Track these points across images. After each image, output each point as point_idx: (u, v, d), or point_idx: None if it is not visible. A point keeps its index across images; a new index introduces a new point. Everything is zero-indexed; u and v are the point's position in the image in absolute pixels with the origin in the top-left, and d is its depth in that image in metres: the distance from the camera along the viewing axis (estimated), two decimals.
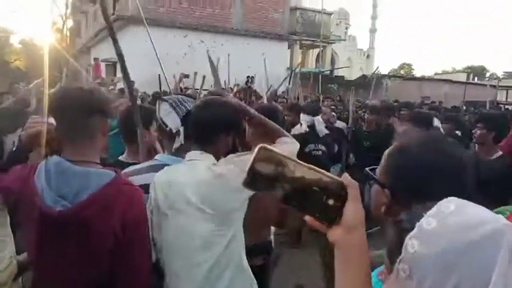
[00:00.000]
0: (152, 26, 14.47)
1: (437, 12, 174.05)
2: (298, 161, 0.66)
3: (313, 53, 24.34)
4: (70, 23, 32.34)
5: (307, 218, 0.68)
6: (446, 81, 21.11)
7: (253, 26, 16.48)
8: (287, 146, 1.65)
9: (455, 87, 18.94)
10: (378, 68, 17.16)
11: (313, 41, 19.97)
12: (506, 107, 14.73)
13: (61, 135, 1.32)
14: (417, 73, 54.78)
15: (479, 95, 15.12)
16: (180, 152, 1.65)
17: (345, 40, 34.27)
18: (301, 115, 4.24)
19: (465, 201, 0.61)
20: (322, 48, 14.47)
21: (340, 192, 0.66)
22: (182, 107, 1.65)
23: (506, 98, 20.26)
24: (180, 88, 7.39)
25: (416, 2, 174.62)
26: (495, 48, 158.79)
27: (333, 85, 17.11)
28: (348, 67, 27.14)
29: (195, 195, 1.46)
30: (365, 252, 0.67)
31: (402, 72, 52.45)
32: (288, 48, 19.14)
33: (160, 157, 1.73)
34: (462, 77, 27.37)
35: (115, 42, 1.83)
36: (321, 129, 4.20)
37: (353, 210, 0.66)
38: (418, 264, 0.57)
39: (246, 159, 1.25)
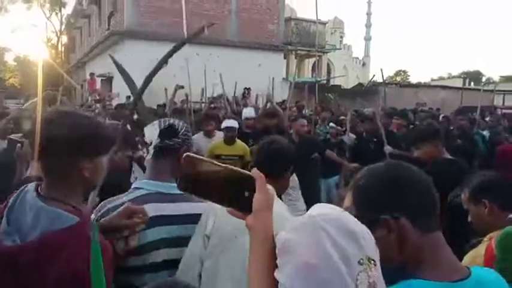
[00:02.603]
0: (148, 40, 14.52)
1: (432, 19, 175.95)
2: (216, 162, 0.79)
3: (309, 63, 24.41)
4: (65, 39, 32.46)
5: (228, 209, 0.79)
6: (442, 87, 21.15)
7: (248, 38, 16.49)
8: None
9: (452, 93, 18.98)
10: (374, 75, 17.19)
11: (308, 50, 20.02)
12: (504, 111, 14.73)
13: (42, 165, 1.21)
14: (413, 79, 55.08)
15: (476, 100, 15.12)
16: (155, 172, 1.58)
17: (340, 49, 34.43)
18: None
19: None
20: (317, 58, 14.45)
21: (251, 184, 0.77)
22: (167, 121, 1.60)
23: (503, 103, 20.30)
24: (174, 102, 7.30)
25: (411, 9, 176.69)
26: (490, 52, 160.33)
27: (329, 94, 17.10)
28: (344, 75, 27.19)
29: None
30: (267, 232, 0.77)
31: (398, 79, 52.69)
32: (284, 58, 19.17)
33: (145, 185, 1.58)
34: (458, 83, 27.43)
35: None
36: None
37: (258, 198, 0.77)
38: None
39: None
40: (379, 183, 0.93)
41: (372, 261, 0.68)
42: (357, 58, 45.33)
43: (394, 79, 49.66)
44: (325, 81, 20.40)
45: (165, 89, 7.92)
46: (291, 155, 1.81)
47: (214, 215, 1.48)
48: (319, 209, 0.75)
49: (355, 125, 6.43)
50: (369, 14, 48.09)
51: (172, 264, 1.50)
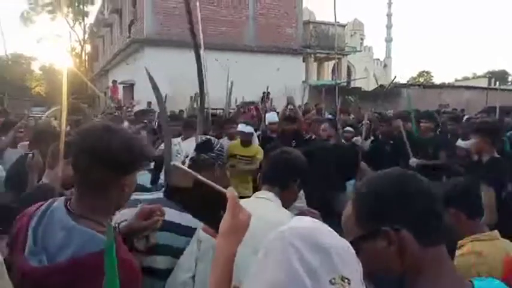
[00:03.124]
0: (167, 47, 14.73)
1: (455, 17, 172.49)
2: (200, 176, 0.78)
3: (329, 66, 24.24)
4: (88, 48, 33.27)
5: (203, 225, 0.79)
6: (467, 87, 20.61)
7: (266, 42, 16.51)
8: None
9: (476, 93, 18.48)
10: (395, 77, 16.95)
11: (327, 53, 19.88)
12: None
13: (74, 181, 1.19)
14: (437, 80, 53.85)
15: (502, 100, 14.67)
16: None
17: (360, 51, 34.08)
18: None
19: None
20: (337, 61, 14.33)
21: (225, 204, 0.77)
22: (204, 138, 1.71)
23: None
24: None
25: (432, 8, 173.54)
26: None
27: (350, 97, 16.92)
28: (365, 78, 26.87)
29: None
30: (227, 257, 0.77)
31: (421, 80, 51.64)
32: (303, 61, 19.09)
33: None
34: (483, 83, 26.70)
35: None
36: None
37: (225, 220, 0.76)
38: None
39: None
40: (381, 193, 0.89)
41: (346, 280, 0.66)
42: (378, 60, 44.81)
43: (417, 80, 48.77)
44: (345, 84, 20.19)
45: (191, 97, 7.99)
46: (299, 168, 1.75)
47: None
48: (295, 222, 0.74)
49: (376, 128, 6.28)
50: (389, 15, 47.53)
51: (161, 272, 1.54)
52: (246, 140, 4.94)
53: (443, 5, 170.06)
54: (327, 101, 12.78)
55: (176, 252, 1.54)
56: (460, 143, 4.95)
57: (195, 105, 7.66)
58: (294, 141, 5.21)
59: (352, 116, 10.23)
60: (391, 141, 5.36)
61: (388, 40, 47.36)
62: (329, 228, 0.73)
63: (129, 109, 10.46)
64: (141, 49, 15.37)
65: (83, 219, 1.11)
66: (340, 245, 0.69)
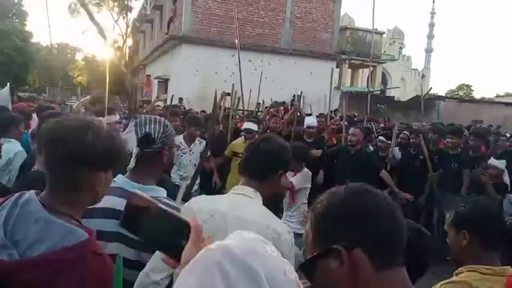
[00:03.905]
0: (203, 45, 15.03)
1: (499, 31, 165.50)
2: (161, 205, 0.73)
3: (364, 73, 23.95)
4: (130, 41, 34.31)
5: (163, 256, 0.73)
6: (506, 104, 19.83)
7: (301, 46, 16.53)
8: None
9: None
10: (430, 88, 16.53)
11: (362, 60, 19.67)
12: None
13: (45, 171, 1.14)
14: (477, 95, 52.00)
15: None
16: (137, 175, 1.60)
17: (396, 60, 33.43)
18: None
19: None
20: (372, 68, 14.17)
21: (188, 233, 0.71)
22: (143, 128, 1.61)
23: None
24: (224, 108, 7.47)
25: (477, 19, 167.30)
26: None
27: (381, 105, 16.68)
28: (399, 87, 26.37)
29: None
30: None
31: (461, 93, 50.02)
32: (337, 67, 18.97)
33: (118, 179, 1.61)
34: None
35: None
36: None
37: (187, 250, 0.69)
38: None
39: None
40: (337, 209, 0.85)
41: None
42: (416, 70, 43.76)
43: (456, 93, 47.28)
44: (378, 92, 19.89)
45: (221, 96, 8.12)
46: (281, 158, 1.62)
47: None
48: (232, 239, 0.67)
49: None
50: (431, 25, 46.32)
51: None
52: (249, 138, 4.82)
53: (488, 16, 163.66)
54: (357, 108, 12.68)
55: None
56: (492, 161, 4.88)
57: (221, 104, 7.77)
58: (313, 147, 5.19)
59: (382, 124, 10.14)
60: (421, 156, 5.31)
61: (428, 50, 46.18)
62: (272, 248, 0.66)
63: (157, 104, 10.75)
64: (178, 46, 15.75)
65: (57, 213, 1.06)
66: (276, 269, 0.62)
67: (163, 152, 1.62)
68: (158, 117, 1.70)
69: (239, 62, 7.22)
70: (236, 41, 8.30)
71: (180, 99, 11.94)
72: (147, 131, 1.59)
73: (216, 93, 5.24)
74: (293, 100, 14.75)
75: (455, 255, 1.68)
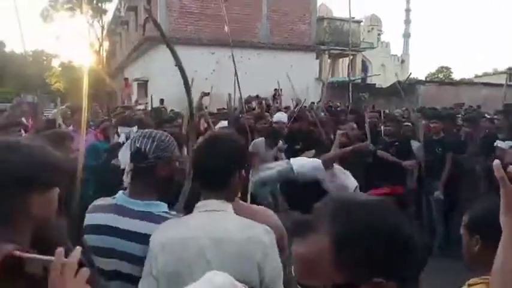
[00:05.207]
0: (180, 45, 14.83)
1: (475, 11, 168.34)
2: (40, 256, 0.77)
3: (344, 62, 24.04)
4: (106, 44, 33.76)
5: None
6: (484, 84, 20.16)
7: (280, 39, 16.48)
8: None
9: (494, 90, 18.02)
10: (410, 73, 16.65)
11: (341, 50, 19.72)
12: None
13: None
14: (457, 76, 52.68)
15: None
16: (135, 191, 1.58)
17: (375, 47, 33.66)
18: None
19: None
20: (351, 57, 14.19)
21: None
22: (136, 143, 1.58)
23: None
24: (205, 107, 7.38)
25: (451, 3, 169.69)
26: None
27: (364, 93, 16.75)
28: (379, 75, 26.56)
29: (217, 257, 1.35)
30: None
31: (441, 76, 50.64)
32: (317, 58, 18.98)
33: (118, 195, 1.62)
34: (504, 79, 26.03)
35: (172, 52, 2.13)
36: None
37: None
38: None
39: None
40: (374, 237, 0.78)
41: None
42: (396, 55, 44.16)
43: (435, 76, 47.85)
44: (359, 81, 19.99)
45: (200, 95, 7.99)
46: (234, 157, 1.50)
47: (162, 251, 1.38)
48: (201, 283, 0.64)
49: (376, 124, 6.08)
50: (407, 10, 46.76)
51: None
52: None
53: None
54: (339, 98, 12.69)
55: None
56: (499, 143, 4.67)
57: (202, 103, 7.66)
58: (301, 142, 5.14)
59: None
60: (397, 143, 5.22)
61: (406, 36, 46.61)
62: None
63: (137, 108, 10.60)
64: (155, 46, 15.53)
65: None
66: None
67: (159, 166, 1.57)
68: (155, 131, 1.66)
69: (233, 59, 7.12)
70: (229, 39, 8.14)
71: (162, 101, 11.79)
72: (138, 146, 1.57)
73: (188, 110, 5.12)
74: (275, 94, 14.74)
75: (467, 262, 1.55)
